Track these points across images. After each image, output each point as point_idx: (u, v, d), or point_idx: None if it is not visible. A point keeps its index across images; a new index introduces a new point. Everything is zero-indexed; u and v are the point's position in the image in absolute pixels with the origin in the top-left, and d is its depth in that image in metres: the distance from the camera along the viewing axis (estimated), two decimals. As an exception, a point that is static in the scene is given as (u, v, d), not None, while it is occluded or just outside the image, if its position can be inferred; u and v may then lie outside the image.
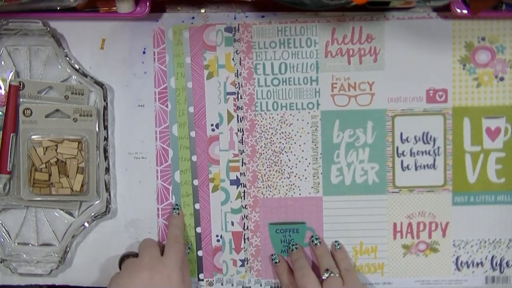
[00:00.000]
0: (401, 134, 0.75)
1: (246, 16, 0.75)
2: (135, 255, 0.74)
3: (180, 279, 0.69)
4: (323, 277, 0.71)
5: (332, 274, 0.71)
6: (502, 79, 0.73)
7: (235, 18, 0.75)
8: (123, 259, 0.76)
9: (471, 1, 0.69)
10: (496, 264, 0.75)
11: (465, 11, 0.70)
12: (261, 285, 0.78)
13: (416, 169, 0.75)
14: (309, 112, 0.75)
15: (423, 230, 0.75)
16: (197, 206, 0.77)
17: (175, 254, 0.71)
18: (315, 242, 0.75)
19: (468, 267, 0.76)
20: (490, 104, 0.74)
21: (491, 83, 0.73)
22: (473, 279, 0.76)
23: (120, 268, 0.75)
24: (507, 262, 0.75)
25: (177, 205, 0.77)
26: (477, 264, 0.76)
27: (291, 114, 0.75)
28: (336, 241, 0.76)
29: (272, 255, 0.77)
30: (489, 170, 0.74)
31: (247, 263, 0.77)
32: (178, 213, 0.76)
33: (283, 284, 0.75)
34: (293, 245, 0.76)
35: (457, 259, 0.76)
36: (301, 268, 0.73)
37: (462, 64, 0.73)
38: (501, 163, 0.74)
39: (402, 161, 0.75)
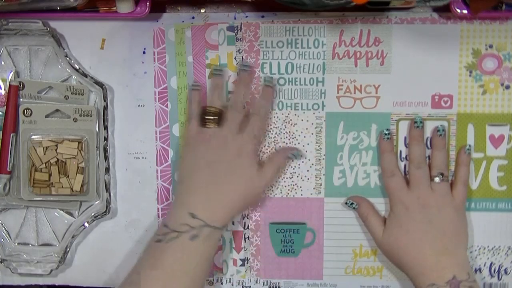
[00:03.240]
0: (405, 138, 0.78)
1: (246, 16, 0.77)
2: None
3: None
4: (436, 180, 0.74)
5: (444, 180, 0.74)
6: (508, 87, 0.76)
7: (235, 18, 0.77)
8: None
9: (471, 1, 0.71)
10: (494, 271, 0.78)
11: (465, 11, 0.72)
12: (260, 285, 0.81)
13: (418, 173, 0.78)
14: (314, 113, 0.78)
15: (423, 235, 0.79)
16: (197, 205, 0.81)
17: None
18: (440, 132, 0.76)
19: (466, 273, 0.79)
20: (494, 112, 0.77)
21: (496, 90, 0.76)
22: (471, 285, 0.79)
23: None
24: (505, 270, 0.78)
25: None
26: (476, 271, 0.78)
27: (296, 115, 0.78)
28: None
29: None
30: (491, 177, 0.78)
31: (247, 263, 0.81)
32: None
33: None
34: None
35: (456, 264, 0.79)
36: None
37: (469, 71, 0.76)
38: (504, 170, 0.77)
39: (405, 165, 0.78)
